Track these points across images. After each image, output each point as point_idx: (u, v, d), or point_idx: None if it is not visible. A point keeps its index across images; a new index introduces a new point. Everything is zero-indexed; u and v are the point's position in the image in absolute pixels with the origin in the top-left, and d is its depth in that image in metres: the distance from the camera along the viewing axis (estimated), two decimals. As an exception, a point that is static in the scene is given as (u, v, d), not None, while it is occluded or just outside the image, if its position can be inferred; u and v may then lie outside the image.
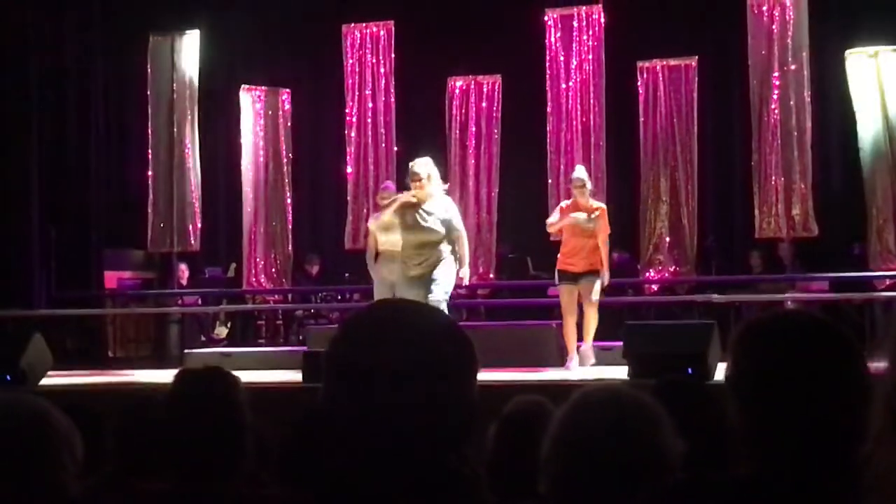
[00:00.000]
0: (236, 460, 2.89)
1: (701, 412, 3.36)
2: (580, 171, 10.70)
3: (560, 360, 10.73)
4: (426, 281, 9.57)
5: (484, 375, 8.99)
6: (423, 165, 9.70)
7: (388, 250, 9.89)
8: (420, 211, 9.63)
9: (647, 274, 14.06)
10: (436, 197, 9.70)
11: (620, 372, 9.15)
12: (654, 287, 14.12)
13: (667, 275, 14.03)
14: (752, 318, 2.01)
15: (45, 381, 9.94)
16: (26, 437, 1.95)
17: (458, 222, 9.73)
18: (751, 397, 1.88)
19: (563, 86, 14.36)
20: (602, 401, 2.09)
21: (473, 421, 1.75)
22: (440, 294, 9.53)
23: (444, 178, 14.49)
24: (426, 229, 9.58)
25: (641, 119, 14.22)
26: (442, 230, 9.57)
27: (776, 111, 13.16)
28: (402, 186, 10.33)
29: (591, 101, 14.25)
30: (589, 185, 10.47)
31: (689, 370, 8.28)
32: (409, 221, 9.65)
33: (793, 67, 13.07)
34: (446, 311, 9.15)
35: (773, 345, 1.91)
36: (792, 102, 13.06)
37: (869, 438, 1.39)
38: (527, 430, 3.26)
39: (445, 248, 9.65)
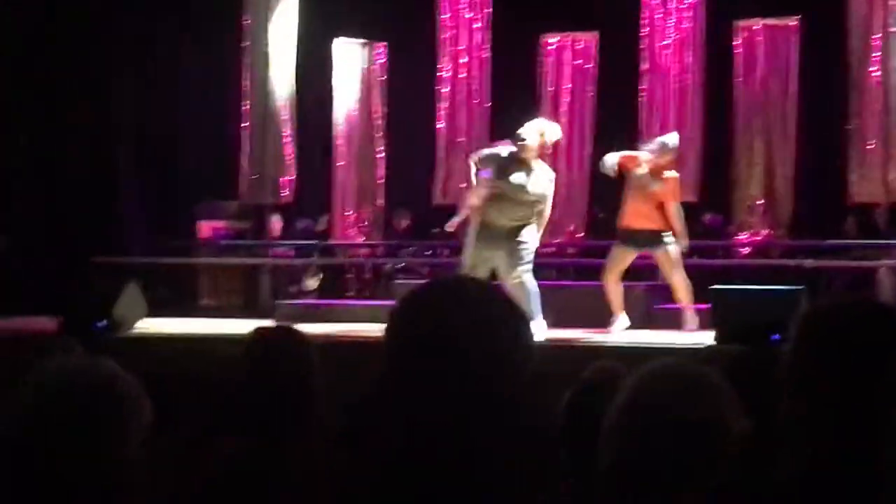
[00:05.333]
0: (305, 421, 2.92)
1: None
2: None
3: (647, 322, 10.70)
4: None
5: (564, 333, 9.08)
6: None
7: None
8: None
9: (739, 237, 13.89)
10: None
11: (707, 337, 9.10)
12: (746, 250, 13.96)
13: (758, 238, 13.85)
14: (814, 304, 1.98)
15: (136, 330, 10.11)
16: (90, 407, 1.97)
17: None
18: (807, 383, 1.85)
19: (661, 44, 14.19)
20: (662, 381, 2.06)
21: (524, 403, 1.76)
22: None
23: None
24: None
25: (739, 80, 14.00)
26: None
27: (877, 73, 12.90)
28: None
29: (689, 61, 14.07)
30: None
31: (777, 336, 8.19)
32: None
33: (894, 30, 12.79)
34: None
35: (835, 333, 1.87)
36: (893, 65, 12.79)
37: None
38: (599, 399, 3.25)
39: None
